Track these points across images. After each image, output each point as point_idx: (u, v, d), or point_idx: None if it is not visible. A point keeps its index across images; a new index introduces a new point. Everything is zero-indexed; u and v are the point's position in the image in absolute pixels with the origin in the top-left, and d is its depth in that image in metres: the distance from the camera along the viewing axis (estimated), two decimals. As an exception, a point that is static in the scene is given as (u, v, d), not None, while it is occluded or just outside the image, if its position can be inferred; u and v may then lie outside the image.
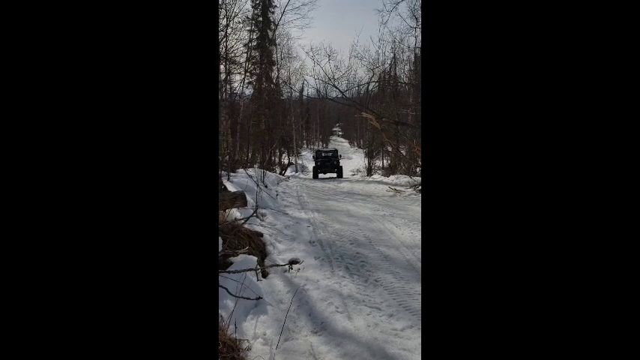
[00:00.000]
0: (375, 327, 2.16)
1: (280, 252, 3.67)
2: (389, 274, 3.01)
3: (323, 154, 15.61)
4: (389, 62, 16.49)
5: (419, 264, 3.26)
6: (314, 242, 3.94)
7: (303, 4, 21.89)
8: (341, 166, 14.87)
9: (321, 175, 14.41)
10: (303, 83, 22.19)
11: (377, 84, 16.02)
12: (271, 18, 16.36)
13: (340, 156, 15.76)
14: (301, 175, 15.18)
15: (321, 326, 2.20)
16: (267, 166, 12.48)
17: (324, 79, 12.20)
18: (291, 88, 18.79)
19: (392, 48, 17.31)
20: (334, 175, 14.51)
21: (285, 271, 3.13)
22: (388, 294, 2.63)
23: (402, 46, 15.73)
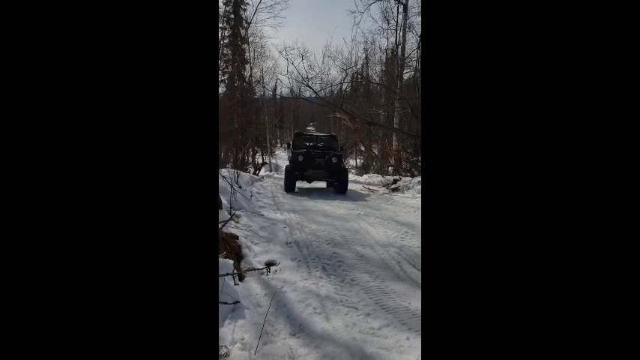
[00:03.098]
0: (353, 327, 2.19)
1: (256, 254, 3.64)
2: (365, 273, 3.06)
3: (308, 143, 7.79)
4: (361, 63, 16.70)
5: (393, 262, 3.33)
6: (290, 243, 3.94)
7: (275, 3, 21.72)
8: (345, 169, 7.57)
9: (299, 185, 7.47)
10: (276, 82, 22.04)
11: (350, 84, 16.18)
12: (243, 16, 16.14)
13: (341, 149, 8.63)
14: (276, 175, 14.66)
15: (300, 328, 2.21)
16: (241, 165, 12.21)
17: (297, 78, 12.09)
18: (264, 87, 18.58)
19: (364, 49, 17.58)
20: (327, 182, 7.54)
21: (262, 273, 3.11)
22: (365, 293, 2.68)
23: (373, 47, 15.99)
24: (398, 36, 12.22)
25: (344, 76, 14.04)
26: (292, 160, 7.38)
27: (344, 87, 15.82)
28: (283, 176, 7.85)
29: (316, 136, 8.66)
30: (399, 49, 11.95)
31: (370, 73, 16.15)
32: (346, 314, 2.36)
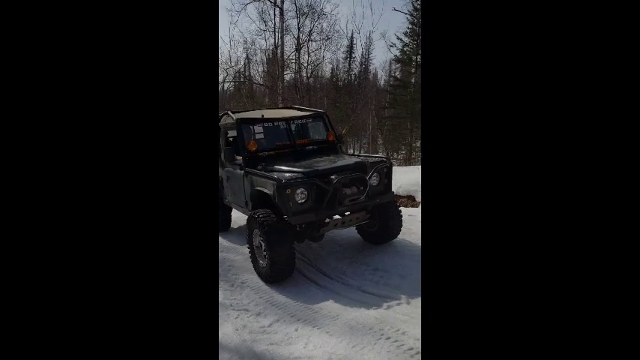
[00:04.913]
0: (244, 329, 2.20)
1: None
2: (254, 274, 3.08)
3: (262, 138, 3.29)
4: (243, 62, 16.47)
5: (283, 259, 3.43)
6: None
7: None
8: (394, 198, 3.20)
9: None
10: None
11: (233, 84, 15.82)
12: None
13: (341, 138, 3.75)
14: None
15: (187, 342, 2.11)
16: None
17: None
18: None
19: (244, 48, 17.38)
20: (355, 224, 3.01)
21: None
22: (255, 294, 2.70)
23: (253, 47, 15.96)
24: (276, 38, 12.45)
25: (225, 75, 13.64)
26: (276, 198, 2.74)
27: (226, 86, 15.40)
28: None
29: (288, 119, 3.56)
30: (279, 51, 12.21)
31: (253, 74, 16.08)
32: (237, 317, 2.35)
